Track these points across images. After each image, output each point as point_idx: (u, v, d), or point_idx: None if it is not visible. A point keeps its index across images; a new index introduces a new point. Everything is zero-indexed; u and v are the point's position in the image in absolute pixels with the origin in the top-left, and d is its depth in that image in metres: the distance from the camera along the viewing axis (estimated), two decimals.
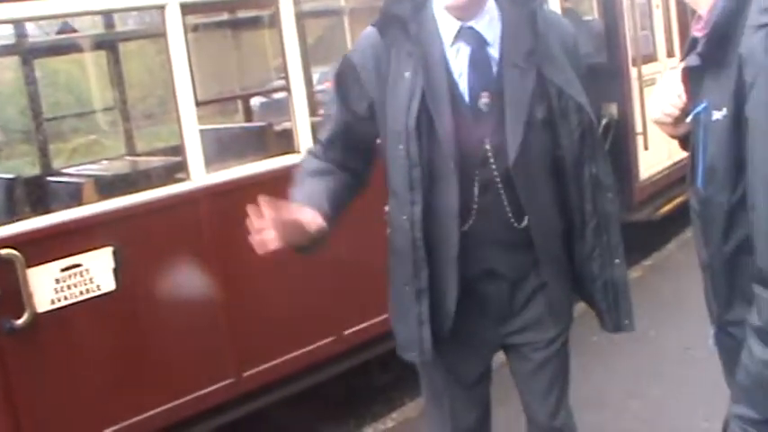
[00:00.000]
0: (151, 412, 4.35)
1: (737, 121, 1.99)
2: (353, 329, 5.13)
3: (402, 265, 2.68)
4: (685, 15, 8.90)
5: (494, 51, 2.57)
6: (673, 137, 2.42)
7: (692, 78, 2.17)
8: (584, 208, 2.67)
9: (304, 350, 4.96)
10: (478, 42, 2.56)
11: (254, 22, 7.45)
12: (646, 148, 7.75)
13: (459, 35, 2.56)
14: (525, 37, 2.55)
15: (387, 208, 2.76)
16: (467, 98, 2.56)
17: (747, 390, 2.02)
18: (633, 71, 7.70)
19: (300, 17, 5.45)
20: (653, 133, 7.69)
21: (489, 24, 2.57)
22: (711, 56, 2.06)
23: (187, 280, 4.48)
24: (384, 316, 5.08)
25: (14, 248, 3.89)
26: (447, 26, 2.57)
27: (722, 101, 2.02)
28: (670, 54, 8.85)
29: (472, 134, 2.54)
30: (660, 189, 8.16)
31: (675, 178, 8.42)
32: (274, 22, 5.11)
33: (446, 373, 2.88)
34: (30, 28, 6.55)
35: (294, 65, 4.99)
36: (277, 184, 4.77)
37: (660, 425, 4.60)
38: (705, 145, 2.11)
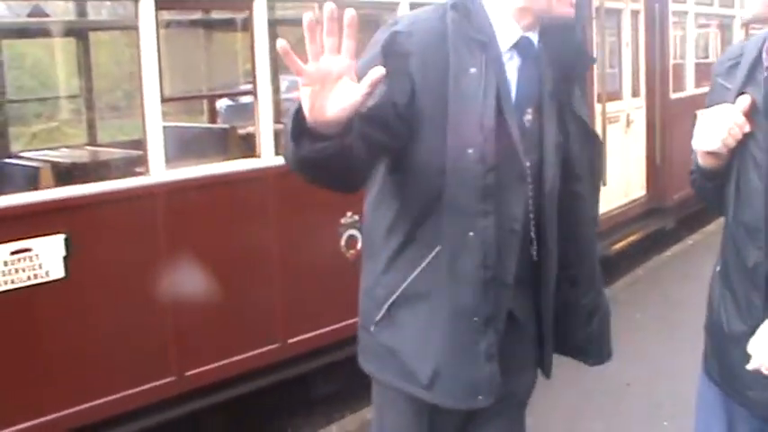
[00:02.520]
0: (89, 404, 4.32)
1: None
2: (298, 338, 5.14)
3: (459, 293, 2.29)
4: (652, 55, 9.08)
5: (539, 70, 2.38)
6: (712, 167, 2.45)
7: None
8: (594, 241, 2.59)
9: (247, 354, 4.95)
10: (532, 56, 2.35)
11: (226, 24, 7.44)
12: (604, 184, 7.84)
13: (517, 44, 2.33)
14: (564, 60, 2.38)
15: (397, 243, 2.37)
16: (513, 110, 2.31)
17: None
18: (598, 107, 7.80)
19: (274, 23, 5.46)
20: (612, 170, 7.81)
21: (535, 41, 2.37)
22: None
23: (136, 274, 4.47)
24: (329, 327, 5.19)
25: None
26: (506, 32, 2.32)
27: None
28: (635, 93, 8.99)
29: (519, 148, 2.30)
30: (615, 225, 8.25)
31: (631, 216, 8.54)
32: (247, 25, 5.12)
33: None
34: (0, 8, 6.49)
35: (263, 70, 5.01)
36: (236, 187, 4.87)
37: None
38: None
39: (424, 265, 2.33)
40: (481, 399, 2.34)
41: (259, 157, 4.96)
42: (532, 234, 2.39)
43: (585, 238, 2.53)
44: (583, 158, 2.45)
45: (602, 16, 7.87)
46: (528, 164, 2.32)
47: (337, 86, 1.88)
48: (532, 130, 2.35)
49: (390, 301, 2.39)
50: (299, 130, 1.94)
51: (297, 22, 7.42)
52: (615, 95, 8.54)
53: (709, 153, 2.41)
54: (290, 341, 5.11)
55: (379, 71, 1.86)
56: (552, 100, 2.38)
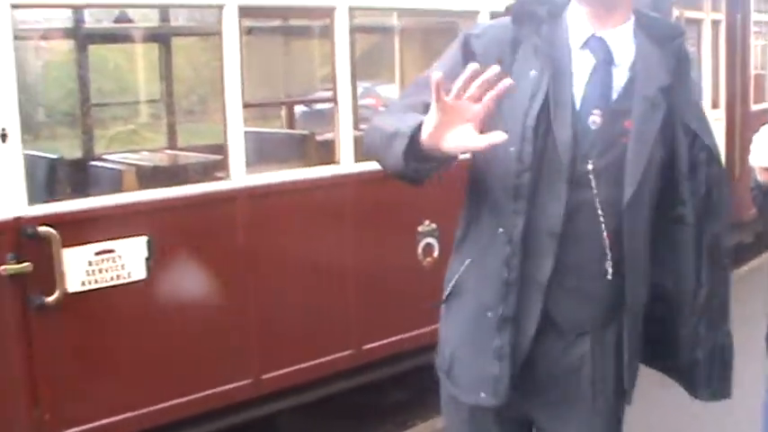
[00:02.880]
0: (168, 403, 4.40)
1: None
2: (372, 345, 5.16)
3: (483, 288, 2.35)
4: (733, 66, 8.92)
5: (619, 72, 2.32)
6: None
7: None
8: (701, 271, 2.39)
9: (323, 360, 4.99)
10: (605, 56, 2.31)
11: (304, 31, 7.51)
12: None
13: (587, 43, 2.32)
14: (663, 71, 2.31)
15: (459, 230, 2.49)
16: (578, 111, 2.30)
17: None
18: None
19: (353, 30, 5.50)
20: None
21: (621, 43, 2.32)
22: None
23: (216, 277, 4.53)
24: (403, 335, 5.20)
25: (52, 227, 3.96)
26: (578, 31, 2.33)
27: None
28: (715, 105, 8.82)
29: (580, 151, 2.28)
30: None
31: None
32: (327, 33, 5.16)
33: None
34: (87, 14, 6.63)
35: (343, 77, 5.05)
36: (315, 193, 4.92)
37: None
38: None
39: (468, 262, 2.42)
40: (484, 396, 2.36)
41: (338, 163, 5.00)
42: (607, 249, 2.31)
43: (684, 267, 2.41)
44: (693, 180, 2.34)
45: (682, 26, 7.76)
46: (590, 167, 2.28)
47: (460, 128, 2.04)
48: (600, 134, 2.29)
49: (447, 291, 2.49)
50: (412, 150, 2.10)
51: (372, 30, 7.44)
52: None
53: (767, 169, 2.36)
54: (365, 347, 5.13)
55: (501, 136, 2.02)
56: (654, 112, 2.29)
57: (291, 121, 7.53)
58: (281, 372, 4.81)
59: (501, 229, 2.29)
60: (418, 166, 2.14)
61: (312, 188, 4.89)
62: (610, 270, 2.32)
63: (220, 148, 5.05)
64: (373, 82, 13.99)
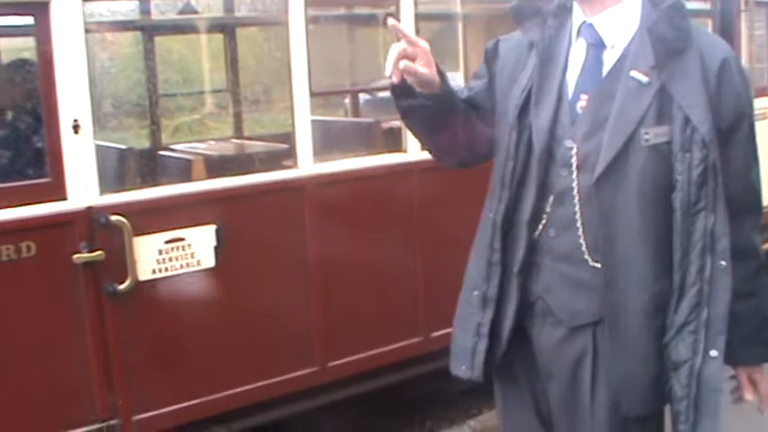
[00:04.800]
0: (233, 390, 4.45)
1: None
2: (440, 332, 5.14)
3: (476, 267, 2.51)
4: None
5: (610, 54, 2.33)
6: None
7: None
8: (688, 268, 2.23)
9: (389, 347, 5.00)
10: (594, 41, 2.34)
11: (368, 20, 7.51)
12: None
13: (580, 30, 2.38)
14: (661, 47, 2.25)
15: None
16: (569, 97, 2.36)
17: None
18: None
19: (417, 18, 5.47)
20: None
21: (615, 25, 2.32)
22: None
23: (284, 265, 4.57)
24: None
25: (123, 216, 4.03)
26: (576, 21, 2.40)
27: None
28: None
29: (563, 136, 2.34)
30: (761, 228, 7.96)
31: None
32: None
33: (504, 400, 2.67)
34: (152, 6, 6.70)
35: None
36: (382, 182, 4.92)
37: None
38: None
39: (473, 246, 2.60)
40: (464, 369, 2.52)
41: (405, 152, 4.99)
42: (579, 233, 2.33)
43: (670, 265, 2.26)
44: (684, 163, 2.22)
45: (750, 9, 7.60)
46: (573, 152, 2.32)
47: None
48: (586, 117, 2.31)
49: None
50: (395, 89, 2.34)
51: (435, 17, 7.39)
52: (763, 91, 8.23)
53: None
54: (433, 335, 5.12)
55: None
56: (639, 91, 2.25)
57: (356, 110, 7.54)
58: (347, 359, 4.84)
59: (491, 214, 2.47)
60: (402, 102, 2.38)
61: (379, 176, 4.89)
62: (587, 257, 2.33)
63: (285, 137, 5.09)
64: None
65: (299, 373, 4.66)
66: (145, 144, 6.86)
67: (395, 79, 2.27)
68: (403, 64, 2.23)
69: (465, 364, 2.51)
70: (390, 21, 2.27)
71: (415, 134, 2.63)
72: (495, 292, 2.44)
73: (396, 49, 2.26)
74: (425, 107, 2.37)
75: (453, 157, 2.65)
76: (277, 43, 6.21)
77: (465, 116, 2.51)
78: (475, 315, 2.48)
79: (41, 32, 3.88)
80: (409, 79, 2.29)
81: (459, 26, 7.65)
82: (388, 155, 5.06)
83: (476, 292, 2.49)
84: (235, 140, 6.88)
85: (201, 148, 6.40)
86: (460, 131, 2.51)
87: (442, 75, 2.36)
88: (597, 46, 2.34)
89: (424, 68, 2.27)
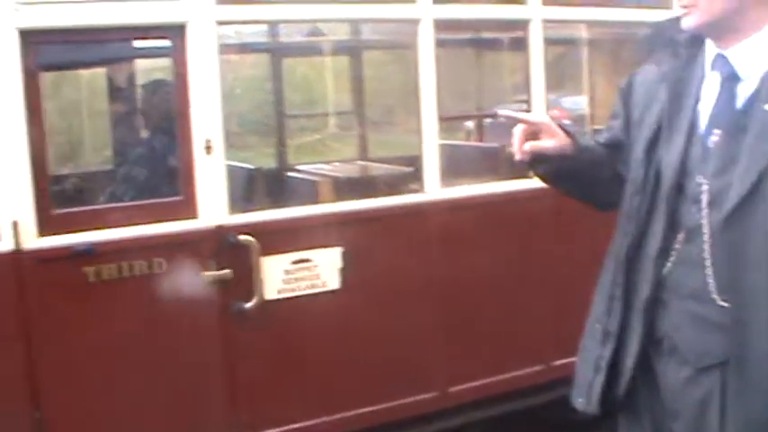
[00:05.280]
0: (356, 411, 4.47)
1: None
2: (562, 362, 5.06)
3: (599, 300, 2.51)
4: None
5: (745, 87, 2.22)
6: None
7: None
8: None
9: (510, 375, 4.95)
10: (727, 73, 2.24)
11: (494, 44, 7.48)
12: None
13: (713, 63, 2.29)
14: None
15: None
16: (701, 132, 2.27)
17: None
18: None
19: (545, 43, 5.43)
20: None
21: (750, 56, 2.21)
22: None
23: (408, 289, 4.57)
24: None
25: (251, 236, 4.09)
26: (710, 52, 2.31)
27: None
28: None
29: (694, 171, 2.25)
30: None
31: None
32: (520, 45, 5.13)
33: None
34: (281, 29, 6.81)
35: (538, 89, 5.01)
36: (508, 208, 4.87)
37: None
38: None
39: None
40: (581, 401, 2.52)
41: (531, 178, 4.93)
42: (708, 271, 2.22)
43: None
44: None
45: None
46: (704, 188, 2.24)
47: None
48: (718, 154, 2.22)
49: None
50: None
51: (561, 42, 7.29)
52: None
53: None
54: (554, 364, 5.05)
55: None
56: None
57: (481, 134, 7.51)
58: (468, 385, 4.80)
59: (615, 249, 2.46)
60: (539, 169, 2.53)
61: (505, 202, 4.85)
62: (714, 296, 2.22)
63: (410, 160, 5.10)
64: (558, 94, 13.81)
65: (418, 397, 4.65)
66: (270, 164, 6.96)
67: (523, 158, 2.40)
68: (527, 146, 2.34)
69: (582, 396, 2.52)
70: (501, 111, 2.43)
71: (569, 195, 2.70)
72: (617, 326, 2.43)
73: (517, 132, 2.36)
74: (561, 168, 2.44)
75: (608, 205, 2.65)
76: (401, 66, 6.24)
77: (609, 163, 2.56)
78: (596, 348, 2.48)
79: (177, 54, 3.99)
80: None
81: (585, 51, 7.57)
82: (516, 180, 5.00)
83: (597, 325, 2.49)
84: (360, 162, 6.93)
85: (327, 169, 6.45)
86: (607, 179, 2.57)
87: (571, 135, 2.42)
88: (731, 78, 2.25)
89: (548, 142, 2.36)
